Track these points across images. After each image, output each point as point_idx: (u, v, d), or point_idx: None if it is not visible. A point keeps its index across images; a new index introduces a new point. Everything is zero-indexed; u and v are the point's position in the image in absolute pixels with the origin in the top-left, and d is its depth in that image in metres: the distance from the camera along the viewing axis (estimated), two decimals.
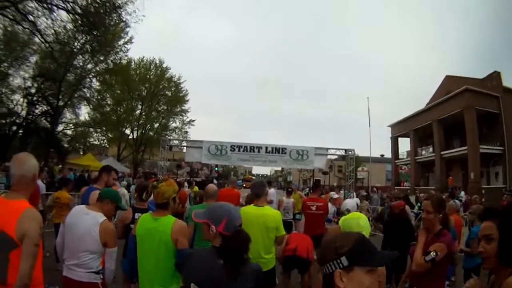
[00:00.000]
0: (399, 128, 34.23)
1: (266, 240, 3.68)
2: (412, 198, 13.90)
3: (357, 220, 2.30)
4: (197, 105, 47.20)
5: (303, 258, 4.65)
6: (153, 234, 2.67)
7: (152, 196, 4.78)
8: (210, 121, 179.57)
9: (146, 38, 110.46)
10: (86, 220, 2.87)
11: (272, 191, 10.50)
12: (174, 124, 30.77)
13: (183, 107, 30.48)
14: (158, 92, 29.07)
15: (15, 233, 2.05)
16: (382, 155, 49.29)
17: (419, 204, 11.80)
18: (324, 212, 6.57)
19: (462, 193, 17.38)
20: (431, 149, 29.68)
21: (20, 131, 22.07)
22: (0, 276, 2.10)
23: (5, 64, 20.58)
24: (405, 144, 35.23)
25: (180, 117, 30.59)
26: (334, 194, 8.76)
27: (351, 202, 4.74)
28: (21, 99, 22.29)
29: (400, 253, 3.74)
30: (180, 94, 30.27)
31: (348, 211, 3.75)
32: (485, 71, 30.49)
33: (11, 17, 14.49)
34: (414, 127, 31.32)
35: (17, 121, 22.46)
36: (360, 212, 7.73)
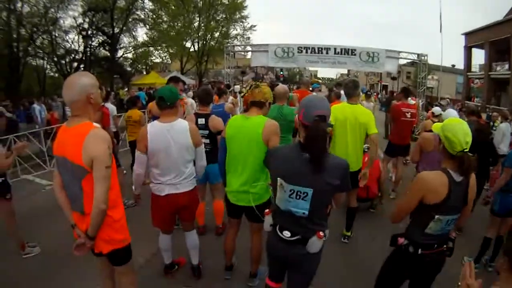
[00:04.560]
0: (474, 38, 30.02)
1: (358, 138, 3.75)
2: (483, 116, 12.17)
3: (462, 125, 1.81)
4: (256, 11, 44.53)
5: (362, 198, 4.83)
6: (243, 133, 2.65)
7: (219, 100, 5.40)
8: (270, 26, 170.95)
9: None
10: (174, 132, 2.78)
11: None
12: (235, 32, 29.90)
13: (242, 13, 29.26)
14: (214, 1, 28.02)
15: (83, 159, 1.83)
16: (453, 65, 44.46)
17: (491, 123, 10.39)
18: (416, 120, 6.34)
19: None
20: (507, 66, 25.97)
21: (81, 66, 22.79)
22: (78, 207, 2.00)
23: (52, 10, 20.53)
24: (479, 56, 31.01)
25: (241, 24, 29.55)
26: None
27: (454, 112, 4.59)
28: (76, 37, 22.76)
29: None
30: (238, 1, 28.93)
31: None
32: None
33: None
34: (490, 39, 27.21)
35: (76, 57, 23.26)
36: None
